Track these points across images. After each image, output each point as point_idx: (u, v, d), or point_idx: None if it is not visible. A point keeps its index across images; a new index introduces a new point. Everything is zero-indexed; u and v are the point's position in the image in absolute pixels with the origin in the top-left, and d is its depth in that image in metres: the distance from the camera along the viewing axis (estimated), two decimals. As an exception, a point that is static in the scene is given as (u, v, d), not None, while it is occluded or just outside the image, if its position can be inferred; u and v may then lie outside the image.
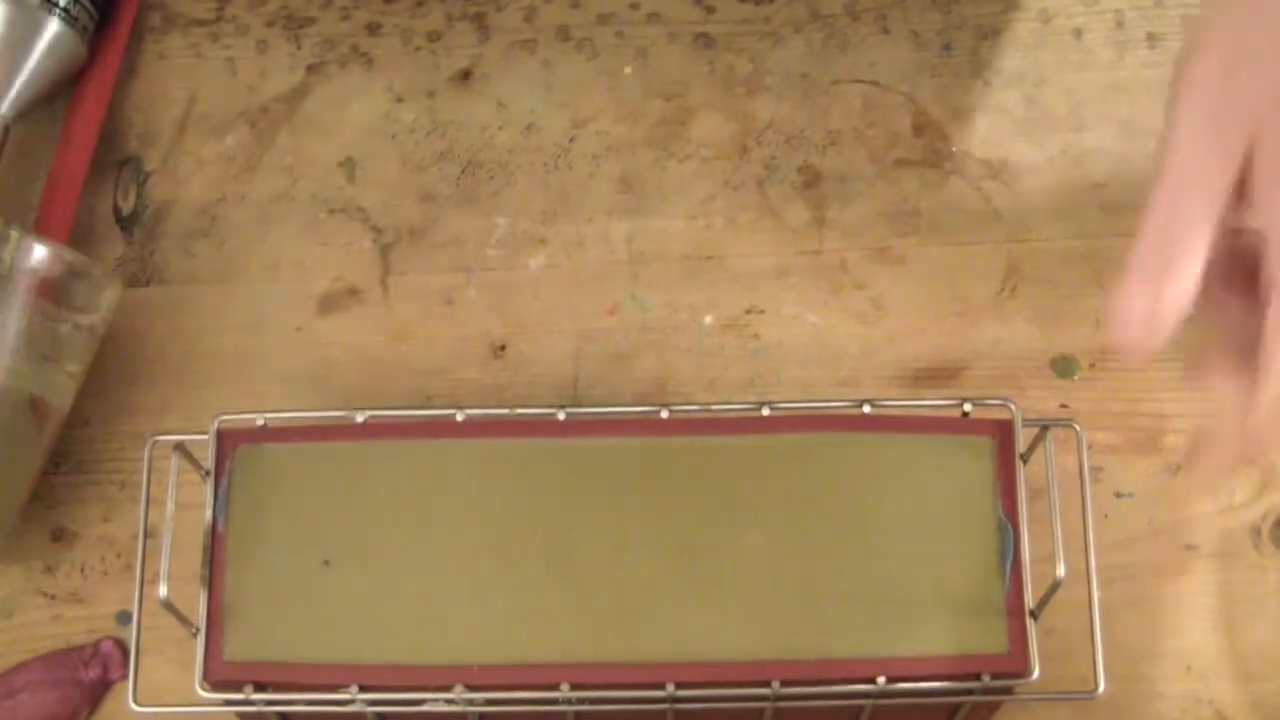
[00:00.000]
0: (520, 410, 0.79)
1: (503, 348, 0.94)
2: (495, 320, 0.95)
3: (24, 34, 0.93)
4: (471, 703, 0.77)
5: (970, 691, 0.77)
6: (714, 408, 0.80)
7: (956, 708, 0.81)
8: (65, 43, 0.94)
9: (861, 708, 0.80)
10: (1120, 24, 1.00)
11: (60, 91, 0.97)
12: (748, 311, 0.95)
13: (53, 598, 0.89)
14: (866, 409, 0.79)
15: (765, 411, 0.79)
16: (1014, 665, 0.76)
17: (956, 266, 0.95)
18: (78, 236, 0.96)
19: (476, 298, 0.95)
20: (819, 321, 0.94)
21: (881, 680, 0.75)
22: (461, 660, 0.76)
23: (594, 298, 0.95)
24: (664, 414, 0.79)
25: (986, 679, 0.75)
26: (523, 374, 0.94)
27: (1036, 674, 0.76)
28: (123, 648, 0.88)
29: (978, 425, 0.79)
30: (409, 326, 0.95)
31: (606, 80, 1.00)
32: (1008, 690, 0.78)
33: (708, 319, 0.95)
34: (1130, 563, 0.89)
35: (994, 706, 0.83)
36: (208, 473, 0.78)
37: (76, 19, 0.95)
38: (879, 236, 0.96)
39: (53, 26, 0.94)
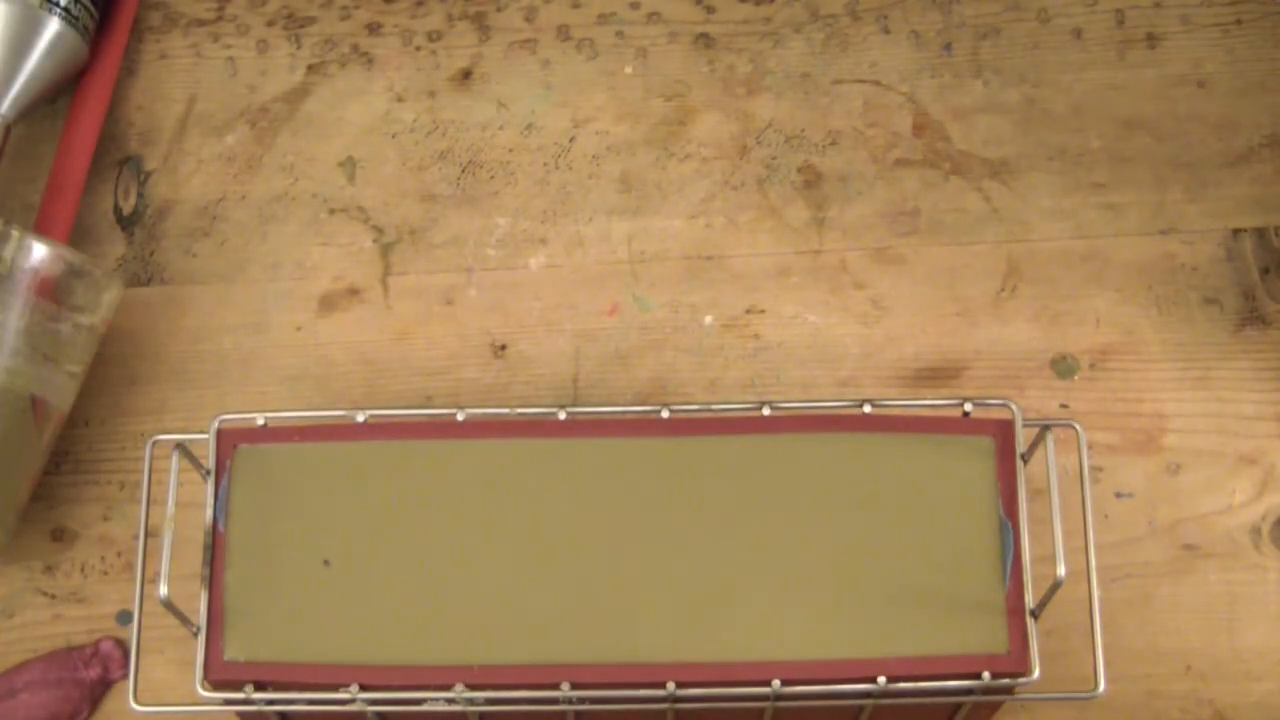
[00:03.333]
0: (520, 410, 0.79)
1: (503, 347, 0.94)
2: (495, 320, 0.95)
3: (24, 34, 0.93)
4: (472, 701, 0.77)
5: (971, 691, 0.77)
6: (714, 407, 0.80)
7: (957, 708, 0.81)
8: (66, 42, 0.94)
9: (861, 708, 0.80)
10: (1120, 23, 1.00)
11: (61, 91, 0.97)
12: (748, 311, 0.95)
13: (53, 597, 0.89)
14: (867, 409, 0.79)
15: (766, 411, 0.79)
16: (1014, 665, 0.76)
17: (956, 266, 0.95)
18: (78, 236, 0.96)
19: (476, 298, 0.95)
20: (819, 321, 0.94)
21: (882, 680, 0.75)
22: (462, 659, 0.76)
23: (594, 298, 0.95)
24: (664, 414, 0.79)
25: (987, 679, 0.76)
26: (522, 374, 0.94)
27: (1037, 674, 0.76)
28: (123, 647, 0.88)
29: (978, 425, 0.79)
30: (409, 326, 0.95)
31: (607, 80, 1.00)
32: (1008, 690, 0.78)
33: (708, 319, 0.95)
34: (1130, 562, 0.89)
35: (994, 706, 0.83)
36: (208, 472, 0.79)
37: (77, 18, 0.95)
38: (879, 236, 0.96)
39: (53, 26, 0.94)
